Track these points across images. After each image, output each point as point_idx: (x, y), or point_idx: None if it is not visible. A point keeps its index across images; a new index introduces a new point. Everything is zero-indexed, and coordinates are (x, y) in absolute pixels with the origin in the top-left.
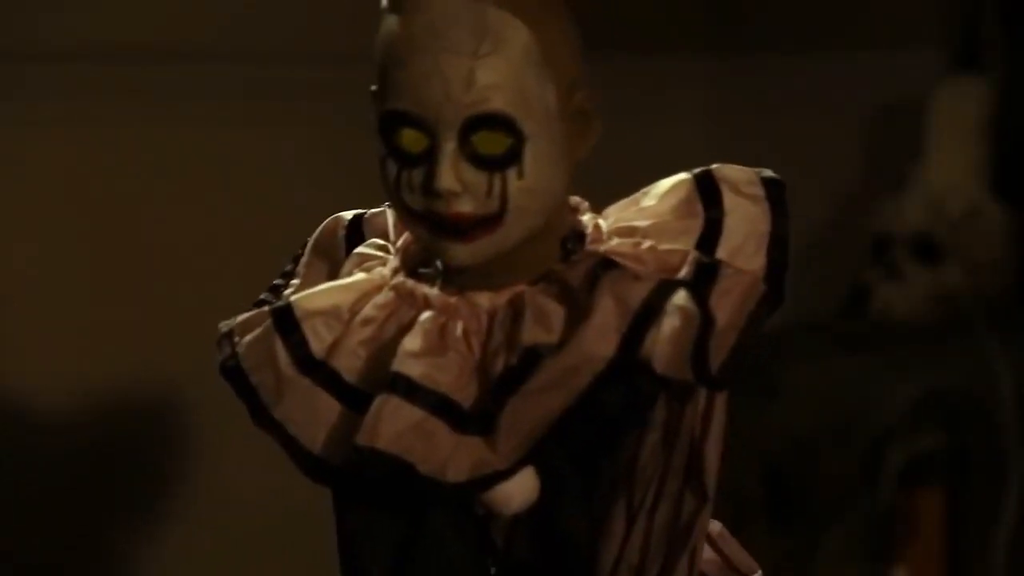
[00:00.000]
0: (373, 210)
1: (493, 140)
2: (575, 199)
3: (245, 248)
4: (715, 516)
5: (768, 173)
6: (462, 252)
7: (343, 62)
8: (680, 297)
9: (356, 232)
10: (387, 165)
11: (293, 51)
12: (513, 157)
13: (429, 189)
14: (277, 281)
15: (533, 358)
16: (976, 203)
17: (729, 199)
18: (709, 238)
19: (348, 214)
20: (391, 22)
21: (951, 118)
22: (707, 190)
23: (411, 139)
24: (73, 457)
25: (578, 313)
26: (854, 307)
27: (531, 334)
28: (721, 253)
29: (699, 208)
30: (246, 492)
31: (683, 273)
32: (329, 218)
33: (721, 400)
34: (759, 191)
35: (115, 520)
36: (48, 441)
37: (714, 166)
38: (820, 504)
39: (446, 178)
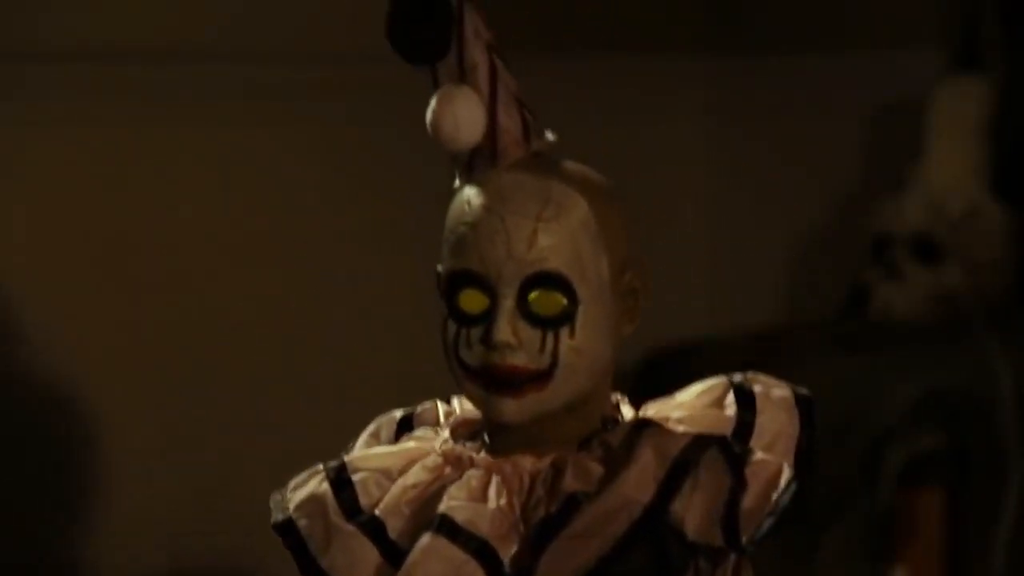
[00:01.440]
0: (422, 406)
1: (549, 300)
2: (616, 395)
3: (245, 247)
4: None
5: (802, 390)
6: (512, 407)
7: (343, 62)
8: (714, 453)
9: (407, 427)
10: (447, 325)
11: (293, 51)
12: (566, 318)
13: (487, 342)
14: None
15: (572, 504)
16: (976, 203)
17: (762, 402)
18: (741, 434)
19: (398, 412)
20: (463, 194)
21: (951, 118)
22: (741, 393)
23: (472, 300)
24: (64, 459)
25: (618, 467)
26: (854, 307)
27: (571, 484)
28: (752, 447)
29: (733, 407)
30: None
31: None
32: (380, 416)
33: (748, 564)
34: (791, 402)
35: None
36: (50, 441)
37: (748, 374)
38: (820, 504)
39: (503, 331)
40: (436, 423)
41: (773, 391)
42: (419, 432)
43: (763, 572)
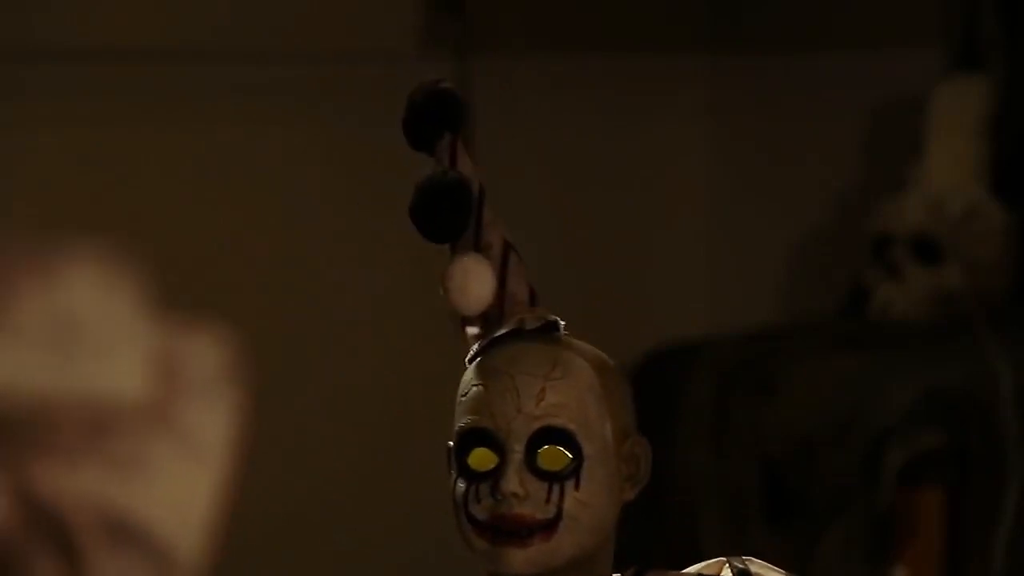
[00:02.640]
0: None
1: (556, 456)
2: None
3: (244, 247)
4: (714, 515)
5: None
6: (519, 557)
7: (342, 62)
8: None
9: None
10: (457, 484)
11: (292, 51)
12: (572, 473)
13: (495, 494)
14: None
15: None
16: (976, 203)
17: None
18: None
19: None
20: (475, 364)
21: (951, 118)
22: (738, 573)
23: (481, 458)
24: None
25: None
26: (854, 307)
27: None
28: None
29: None
30: None
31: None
32: None
33: None
34: None
35: None
36: None
37: (745, 558)
38: (820, 504)
39: (512, 482)
40: None
41: (770, 573)
42: None
43: None
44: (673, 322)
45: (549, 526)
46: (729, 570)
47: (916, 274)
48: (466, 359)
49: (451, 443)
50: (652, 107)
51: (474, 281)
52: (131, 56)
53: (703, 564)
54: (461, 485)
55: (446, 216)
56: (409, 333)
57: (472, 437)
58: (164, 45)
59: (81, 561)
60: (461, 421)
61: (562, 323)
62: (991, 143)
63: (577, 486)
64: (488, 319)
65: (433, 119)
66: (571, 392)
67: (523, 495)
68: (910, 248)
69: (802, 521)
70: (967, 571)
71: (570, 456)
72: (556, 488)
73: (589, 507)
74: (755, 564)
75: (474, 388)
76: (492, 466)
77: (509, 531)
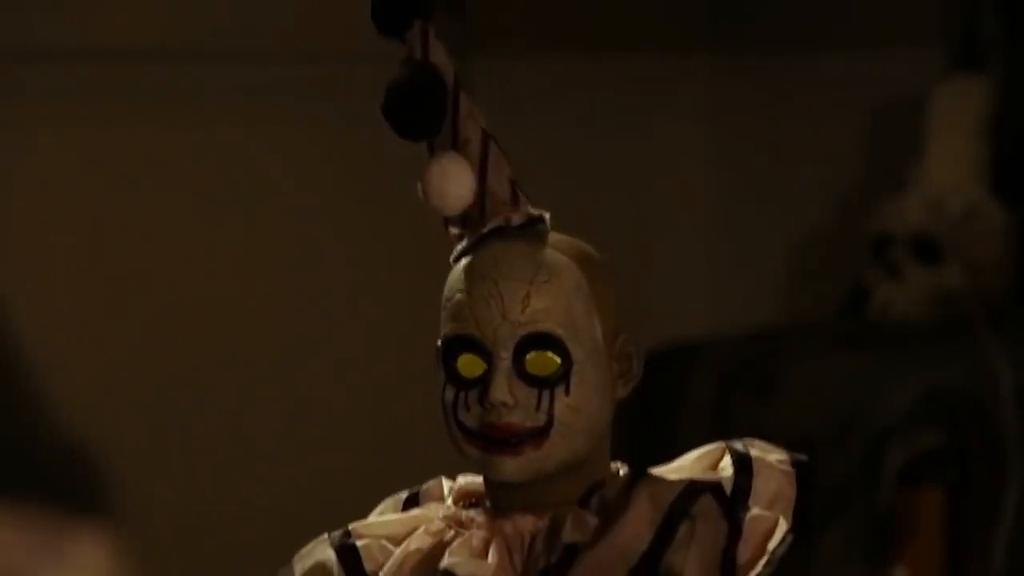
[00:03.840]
0: (427, 484)
1: (544, 361)
2: (616, 464)
3: (244, 246)
4: None
5: (800, 456)
6: (511, 465)
7: (342, 62)
8: (708, 500)
9: (413, 505)
10: (446, 390)
11: (292, 51)
12: (561, 378)
13: (484, 402)
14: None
15: (571, 554)
16: (976, 203)
17: (758, 465)
18: (738, 496)
19: (404, 492)
20: (458, 266)
21: (951, 117)
22: (738, 457)
23: (469, 364)
24: None
25: (614, 516)
26: (854, 307)
27: (569, 536)
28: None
29: (729, 470)
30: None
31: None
32: (387, 498)
33: None
34: (787, 465)
35: None
36: None
37: (745, 439)
38: (820, 504)
39: (500, 391)
40: (441, 499)
41: (770, 455)
42: (424, 507)
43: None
44: (673, 322)
45: (540, 434)
46: (729, 456)
47: (916, 274)
48: (451, 258)
49: (440, 342)
50: (652, 107)
51: (452, 182)
52: (131, 56)
53: (703, 450)
54: (450, 391)
55: (421, 110)
56: (409, 333)
57: (458, 344)
58: (164, 45)
59: None
60: (446, 328)
61: (547, 216)
62: (991, 143)
63: (567, 391)
64: (469, 219)
65: (403, 5)
66: (558, 295)
67: (512, 403)
68: (910, 248)
69: (802, 521)
70: (967, 571)
71: (559, 361)
72: (546, 394)
73: (580, 412)
74: (756, 447)
75: (458, 295)
76: (480, 372)
77: (500, 440)
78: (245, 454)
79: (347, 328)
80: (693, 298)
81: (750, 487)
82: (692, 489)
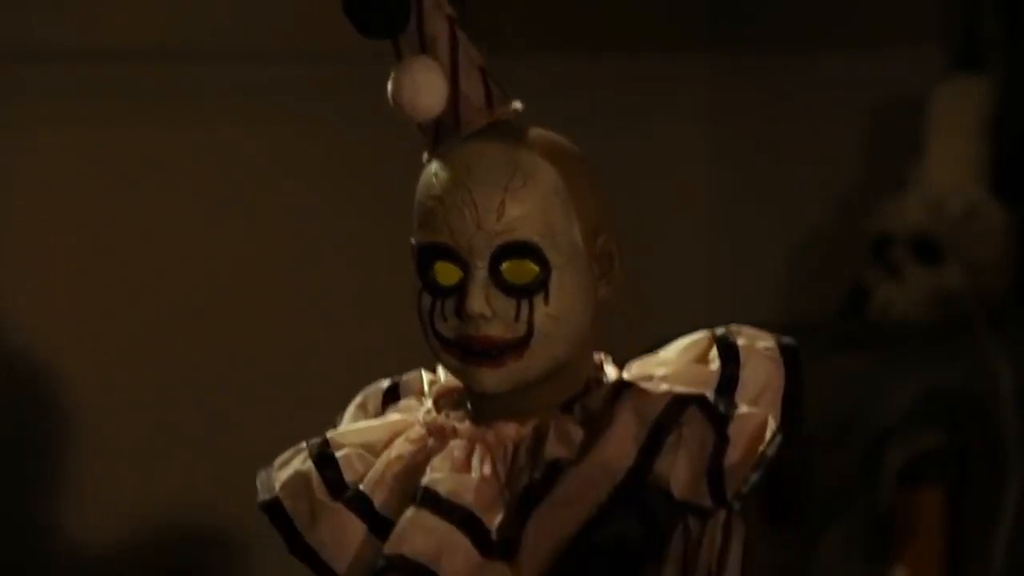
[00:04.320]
0: (408, 375)
1: (521, 269)
2: (599, 355)
3: (243, 246)
4: None
5: (786, 340)
6: (491, 378)
7: (342, 62)
8: (694, 411)
9: (393, 397)
10: (422, 298)
11: (292, 51)
12: (540, 286)
13: (461, 314)
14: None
15: (555, 471)
16: (976, 203)
17: (746, 354)
18: (725, 388)
19: (385, 382)
20: (430, 168)
21: (951, 117)
22: (724, 346)
23: (445, 272)
24: (57, 470)
25: (599, 430)
26: (854, 307)
27: (553, 451)
28: (737, 401)
29: (716, 362)
30: None
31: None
32: (368, 385)
33: (737, 537)
34: (775, 352)
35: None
36: (48, 441)
37: (732, 326)
38: (820, 504)
39: (477, 302)
40: (421, 393)
41: (757, 343)
42: (404, 403)
43: (763, 571)
44: (673, 322)
45: (520, 344)
46: (715, 347)
47: (916, 274)
48: (423, 157)
49: (413, 241)
50: (652, 107)
51: (424, 93)
52: (131, 56)
53: (689, 340)
54: (426, 299)
55: (384, 5)
56: (409, 332)
57: (433, 252)
58: (164, 45)
59: None
60: (420, 234)
61: (520, 107)
62: (991, 143)
63: (547, 300)
64: (443, 123)
65: None
66: (534, 200)
67: (490, 315)
68: (910, 248)
69: (802, 521)
70: (967, 571)
71: (537, 269)
72: (524, 304)
73: (561, 319)
74: (743, 335)
75: (431, 201)
76: (456, 280)
77: (479, 352)
78: (245, 454)
79: (347, 328)
80: (693, 298)
81: (737, 377)
82: (677, 402)
